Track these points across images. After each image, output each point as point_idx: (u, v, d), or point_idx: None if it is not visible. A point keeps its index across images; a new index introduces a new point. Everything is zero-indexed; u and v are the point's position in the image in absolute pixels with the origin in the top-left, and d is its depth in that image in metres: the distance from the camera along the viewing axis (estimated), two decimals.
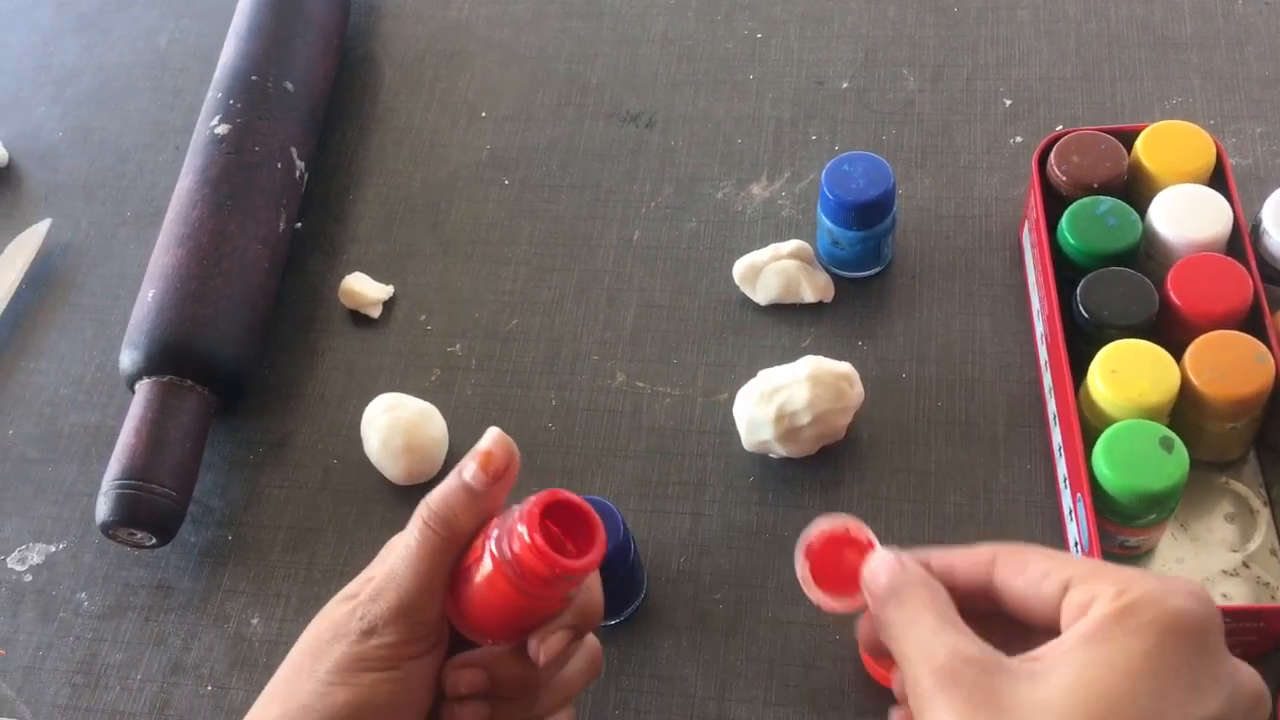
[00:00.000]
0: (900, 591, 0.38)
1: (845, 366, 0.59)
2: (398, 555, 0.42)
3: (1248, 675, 0.35)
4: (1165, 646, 0.33)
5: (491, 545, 0.40)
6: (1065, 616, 0.35)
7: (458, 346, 0.67)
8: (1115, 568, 0.36)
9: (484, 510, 0.42)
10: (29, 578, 0.63)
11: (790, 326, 0.65)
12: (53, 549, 0.64)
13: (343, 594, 0.43)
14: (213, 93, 0.71)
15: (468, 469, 0.41)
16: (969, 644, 0.35)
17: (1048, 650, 0.34)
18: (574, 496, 0.41)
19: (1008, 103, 0.71)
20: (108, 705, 0.59)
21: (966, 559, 0.39)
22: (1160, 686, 0.32)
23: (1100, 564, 0.37)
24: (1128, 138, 0.59)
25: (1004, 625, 0.38)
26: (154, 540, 0.60)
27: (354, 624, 0.41)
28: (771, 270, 0.64)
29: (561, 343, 0.67)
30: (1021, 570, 0.37)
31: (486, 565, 0.40)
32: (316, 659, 0.41)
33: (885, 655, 0.39)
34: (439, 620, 0.42)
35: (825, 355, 0.63)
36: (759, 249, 0.66)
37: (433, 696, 0.43)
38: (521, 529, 0.39)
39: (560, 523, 0.41)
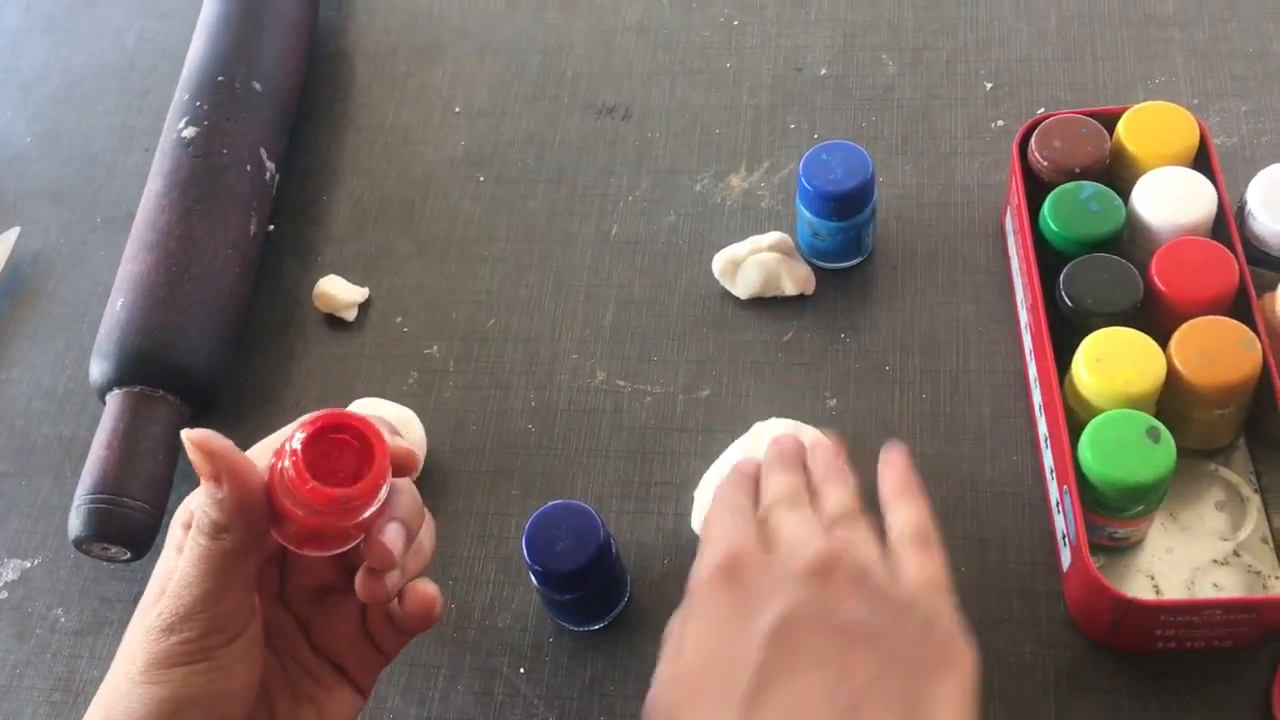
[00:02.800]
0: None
1: (807, 431, 0.58)
2: (185, 558, 0.41)
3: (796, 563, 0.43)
4: (709, 597, 0.43)
5: (276, 475, 0.40)
6: None
7: (435, 348, 0.66)
8: (705, 539, 0.47)
9: (241, 500, 0.40)
10: (4, 594, 0.62)
11: (771, 320, 0.64)
12: (28, 564, 0.63)
13: (149, 591, 0.44)
14: (179, 94, 0.70)
15: (204, 484, 0.41)
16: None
17: None
18: (341, 418, 0.41)
19: (988, 86, 0.69)
20: None
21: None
22: (718, 623, 0.42)
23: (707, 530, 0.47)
24: (1110, 120, 0.58)
25: None
26: (128, 554, 0.59)
27: (155, 621, 0.41)
28: (751, 263, 0.63)
29: (540, 342, 0.66)
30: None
31: (278, 496, 0.41)
32: (131, 660, 0.42)
33: None
34: (240, 608, 0.42)
35: (808, 348, 0.62)
36: (738, 242, 0.65)
37: (259, 671, 0.44)
38: (290, 469, 0.40)
39: (340, 438, 0.41)
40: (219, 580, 0.41)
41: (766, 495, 0.48)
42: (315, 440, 0.40)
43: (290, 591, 0.47)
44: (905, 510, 0.47)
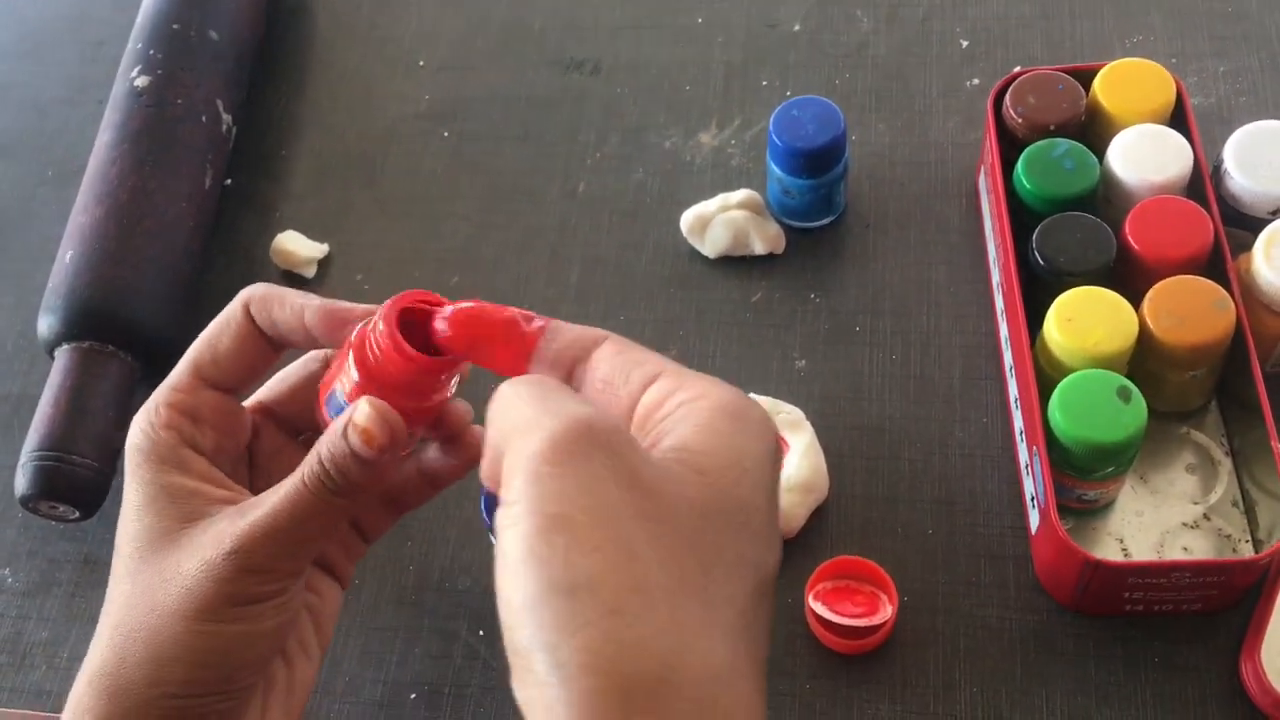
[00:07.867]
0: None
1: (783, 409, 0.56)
2: (292, 507, 0.39)
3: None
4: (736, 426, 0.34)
5: (351, 359, 0.40)
6: (641, 408, 0.35)
7: None
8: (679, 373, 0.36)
9: (387, 467, 0.40)
10: None
11: (740, 280, 0.62)
12: None
13: (131, 505, 0.42)
14: (132, 43, 0.68)
15: (353, 438, 0.39)
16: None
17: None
18: (432, 298, 0.41)
19: (964, 44, 0.68)
20: (34, 685, 0.56)
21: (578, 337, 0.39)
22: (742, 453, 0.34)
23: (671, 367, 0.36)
24: (1086, 77, 0.57)
25: None
26: (77, 514, 0.57)
27: (230, 561, 0.39)
28: (720, 221, 0.62)
29: (504, 301, 0.63)
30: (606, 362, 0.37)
31: (353, 375, 0.40)
32: (183, 598, 0.39)
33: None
34: (310, 555, 0.41)
35: (777, 309, 0.61)
36: (708, 199, 0.63)
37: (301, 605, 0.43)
38: (380, 327, 0.39)
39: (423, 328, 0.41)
40: (325, 531, 0.40)
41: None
42: (403, 315, 0.40)
43: None
44: None
